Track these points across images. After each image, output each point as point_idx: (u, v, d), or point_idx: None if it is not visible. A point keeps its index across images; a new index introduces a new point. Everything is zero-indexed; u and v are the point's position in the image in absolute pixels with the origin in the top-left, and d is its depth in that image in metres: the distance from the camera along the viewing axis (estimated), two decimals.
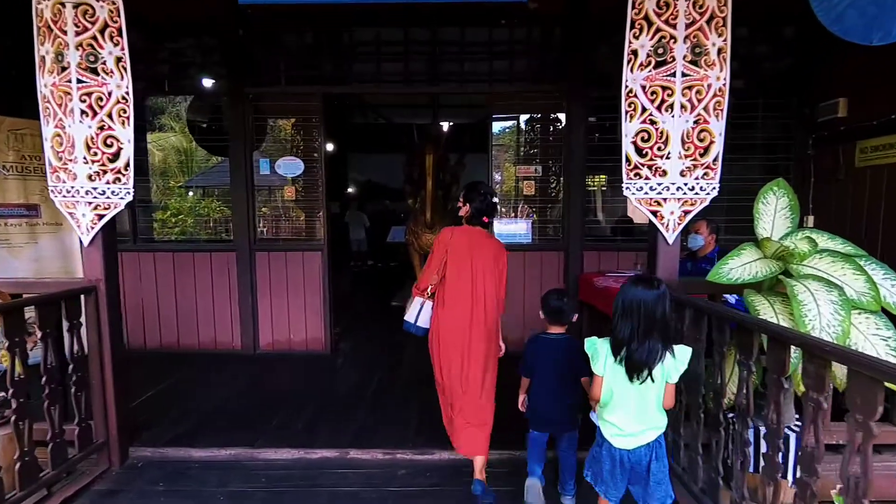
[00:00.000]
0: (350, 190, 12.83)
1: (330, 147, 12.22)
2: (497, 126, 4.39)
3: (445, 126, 6.63)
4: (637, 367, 1.60)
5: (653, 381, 1.62)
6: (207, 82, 4.41)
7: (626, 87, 2.22)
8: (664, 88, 2.19)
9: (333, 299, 4.59)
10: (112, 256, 2.55)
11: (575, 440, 2.23)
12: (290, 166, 4.41)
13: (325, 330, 4.50)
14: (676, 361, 1.63)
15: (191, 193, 9.66)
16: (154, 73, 4.33)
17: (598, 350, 1.71)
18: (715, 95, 2.18)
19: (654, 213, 2.23)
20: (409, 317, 2.47)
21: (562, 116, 4.31)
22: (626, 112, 2.23)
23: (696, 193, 2.20)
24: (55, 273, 4.08)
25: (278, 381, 3.86)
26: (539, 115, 4.31)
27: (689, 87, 2.18)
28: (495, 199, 2.44)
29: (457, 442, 2.37)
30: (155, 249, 4.41)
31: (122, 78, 2.41)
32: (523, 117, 4.34)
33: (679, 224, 2.22)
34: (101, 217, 2.46)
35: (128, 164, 2.46)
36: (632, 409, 1.67)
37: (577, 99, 4.20)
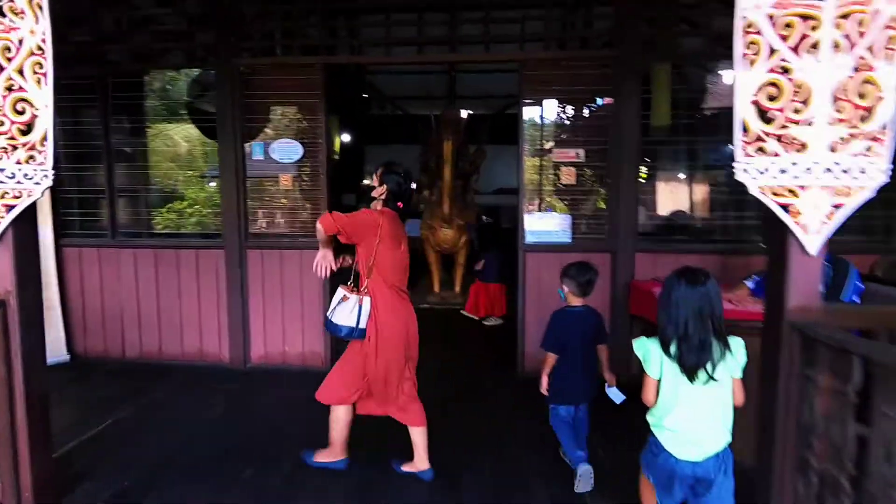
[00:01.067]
0: (367, 182, 12.44)
1: (346, 138, 11.87)
2: (529, 100, 3.63)
3: (464, 113, 5.96)
4: (693, 367, 1.49)
5: (715, 381, 1.50)
6: (190, 55, 3.79)
7: (743, 19, 1.47)
8: (805, 18, 1.43)
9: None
10: (28, 260, 1.94)
11: (589, 406, 2.35)
12: (287, 150, 3.77)
13: (324, 342, 3.87)
14: (734, 356, 1.53)
15: (212, 183, 9.28)
16: (132, 47, 3.75)
17: (651, 351, 1.58)
18: (887, 27, 1.41)
19: (786, 208, 1.48)
20: (348, 320, 2.17)
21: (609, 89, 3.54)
22: (743, 57, 1.48)
23: (855, 178, 1.44)
24: None
25: (264, 406, 3.23)
26: (582, 87, 3.54)
27: (846, 16, 1.42)
28: (413, 185, 2.30)
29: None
30: (136, 245, 3.85)
31: (37, 20, 1.79)
32: (561, 89, 3.58)
33: (825, 224, 1.46)
34: (9, 209, 1.85)
35: (45, 138, 1.84)
36: (699, 414, 1.53)
37: (631, 67, 3.42)
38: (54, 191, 3.71)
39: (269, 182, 3.85)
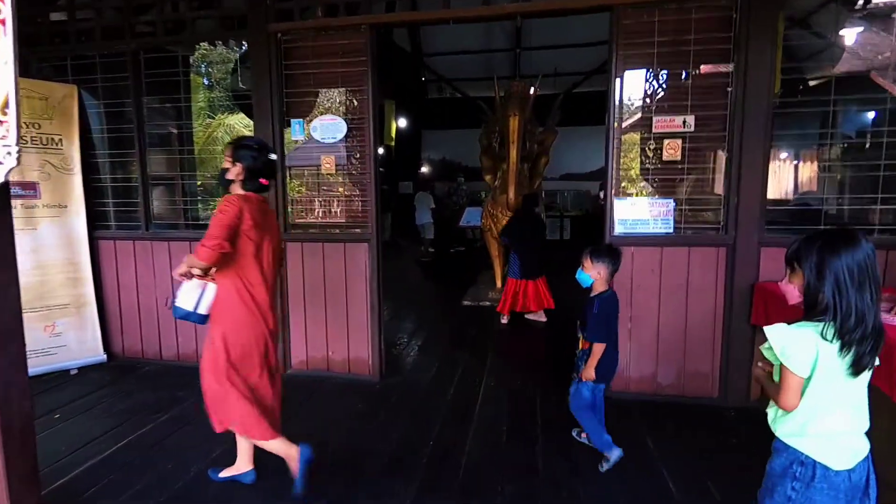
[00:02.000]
0: (424, 169, 11.87)
1: (403, 123, 11.36)
2: (624, 55, 2.90)
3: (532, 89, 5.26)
4: (870, 357, 1.16)
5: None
6: (223, 23, 3.38)
7: None
8: None
9: (382, 307, 3.45)
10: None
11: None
12: (329, 128, 3.28)
13: (371, 348, 3.38)
14: None
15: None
16: (162, 17, 3.39)
17: (803, 341, 1.18)
18: None
19: None
20: (185, 302, 1.98)
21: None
22: None
23: None
24: (58, 266, 3.32)
25: (298, 425, 2.78)
26: (694, 36, 2.77)
27: None
28: (273, 156, 2.06)
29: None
30: (170, 238, 3.53)
31: None
32: (666, 40, 2.82)
33: None
34: None
35: (6, 105, 1.41)
36: (856, 412, 1.23)
37: (762, 10, 2.62)
38: (87, 179, 3.47)
39: (310, 166, 3.39)
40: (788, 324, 1.21)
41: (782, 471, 1.25)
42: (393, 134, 10.65)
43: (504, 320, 4.70)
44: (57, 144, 3.34)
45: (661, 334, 3.00)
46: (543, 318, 4.73)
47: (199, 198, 3.99)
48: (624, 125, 2.98)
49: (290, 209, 3.41)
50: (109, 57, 3.39)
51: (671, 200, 2.94)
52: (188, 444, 2.51)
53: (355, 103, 3.27)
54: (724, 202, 2.85)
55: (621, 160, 3.02)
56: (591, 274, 2.20)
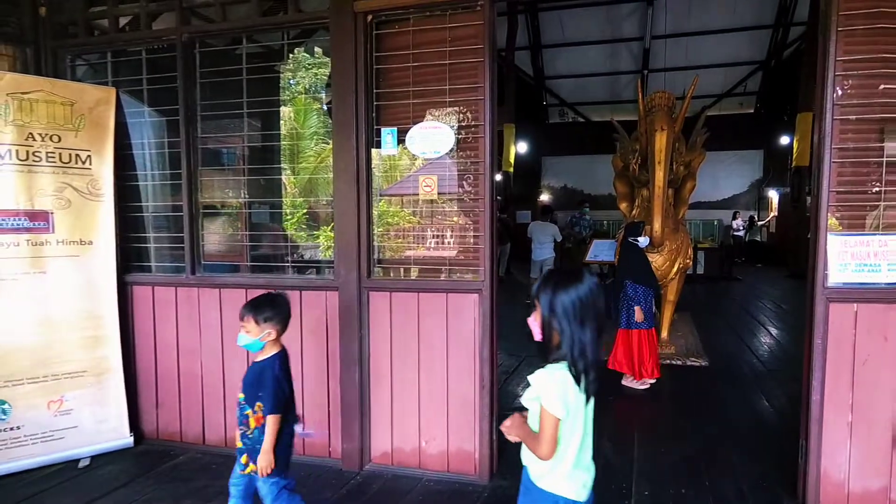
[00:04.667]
0: (544, 197, 11.09)
1: (522, 149, 10.77)
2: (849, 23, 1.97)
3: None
4: (595, 382, 1.27)
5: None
6: (297, 4, 2.61)
7: None
8: None
9: (496, 379, 2.51)
10: None
11: None
12: (431, 138, 2.43)
13: (479, 436, 2.42)
14: None
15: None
16: None
17: (560, 383, 1.23)
18: None
19: None
20: None
21: None
22: None
23: None
24: (73, 321, 2.56)
25: None
26: None
27: None
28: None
29: None
30: (222, 284, 2.71)
31: None
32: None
33: None
34: None
35: None
36: (587, 444, 1.32)
37: None
38: (120, 207, 2.74)
39: (405, 193, 2.55)
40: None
41: None
42: (512, 160, 10.11)
43: (643, 386, 3.68)
44: (83, 163, 2.62)
45: None
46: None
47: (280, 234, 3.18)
48: (846, 122, 2.00)
49: (373, 246, 2.54)
50: (161, 52, 2.70)
51: None
52: None
53: (463, 103, 2.42)
54: None
55: (838, 178, 2.04)
56: (262, 336, 1.78)
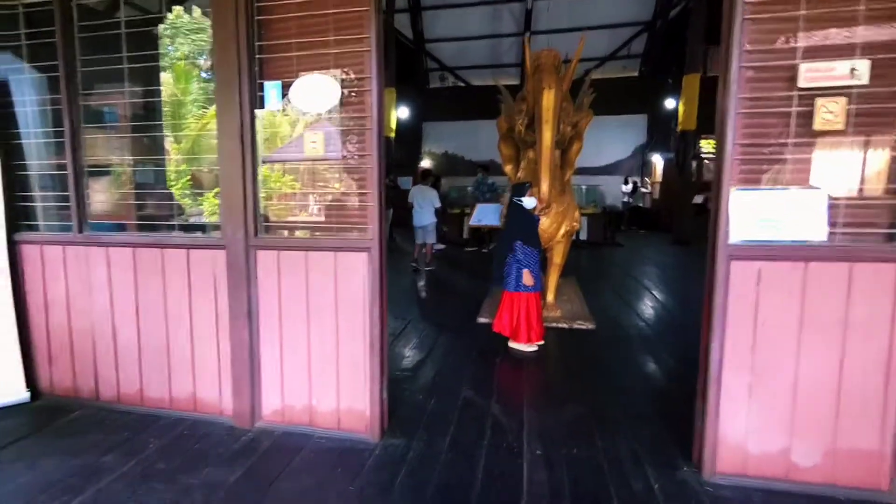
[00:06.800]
0: (425, 164, 10.93)
1: (403, 114, 10.58)
2: None
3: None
4: None
5: None
6: None
7: None
8: None
9: (386, 339, 2.52)
10: None
11: None
12: (317, 91, 2.38)
13: (371, 394, 2.44)
14: None
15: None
16: None
17: None
18: None
19: None
20: None
21: None
22: None
23: None
24: None
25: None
26: None
27: None
28: None
29: None
30: (109, 243, 2.68)
31: None
32: None
33: None
34: None
35: None
36: None
37: None
38: (6, 166, 2.67)
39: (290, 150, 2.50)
40: None
41: None
42: (393, 125, 9.88)
43: (530, 349, 3.70)
44: None
45: (799, 393, 1.95)
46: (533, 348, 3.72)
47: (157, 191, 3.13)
48: (748, 75, 1.94)
49: (261, 206, 2.51)
50: (37, 6, 2.60)
51: (824, 192, 1.90)
52: None
53: (350, 53, 2.35)
54: None
55: (743, 130, 1.98)
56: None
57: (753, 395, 2.01)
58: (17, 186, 2.71)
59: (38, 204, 2.74)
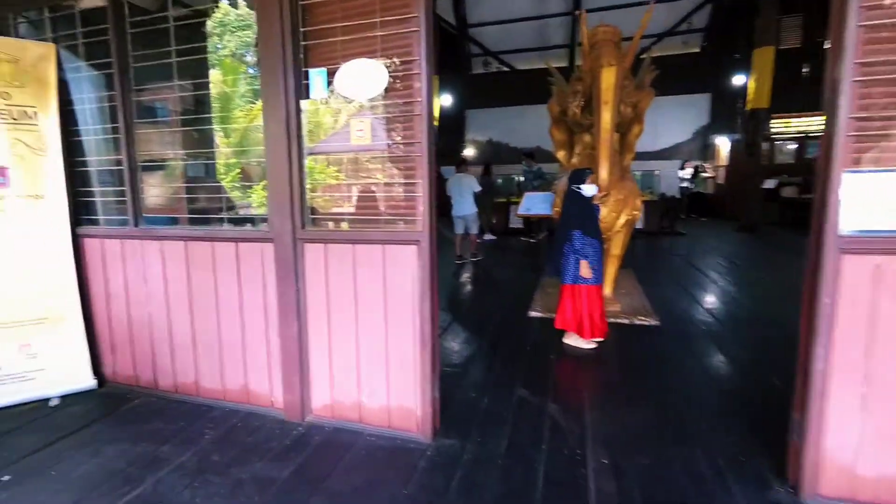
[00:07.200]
0: (468, 153, 10.64)
1: (446, 102, 10.32)
2: None
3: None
4: None
5: None
6: None
7: None
8: None
9: (437, 336, 2.40)
10: None
11: None
12: (364, 77, 2.27)
13: (422, 393, 2.34)
14: None
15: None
16: None
17: None
18: None
19: None
20: None
21: None
22: None
23: None
24: (33, 271, 2.64)
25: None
26: None
27: None
28: None
29: None
30: (162, 236, 2.72)
31: None
32: None
33: None
34: None
35: None
36: None
37: None
38: (68, 162, 2.75)
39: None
40: None
41: None
42: (436, 113, 9.75)
43: (588, 345, 3.47)
44: (31, 118, 2.64)
45: None
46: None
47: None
48: (867, 36, 1.63)
49: (308, 198, 2.44)
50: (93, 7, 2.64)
51: None
52: None
53: (396, 40, 2.22)
54: None
55: (859, 101, 1.67)
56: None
57: (867, 408, 1.73)
58: (79, 182, 2.80)
59: (98, 199, 2.81)
